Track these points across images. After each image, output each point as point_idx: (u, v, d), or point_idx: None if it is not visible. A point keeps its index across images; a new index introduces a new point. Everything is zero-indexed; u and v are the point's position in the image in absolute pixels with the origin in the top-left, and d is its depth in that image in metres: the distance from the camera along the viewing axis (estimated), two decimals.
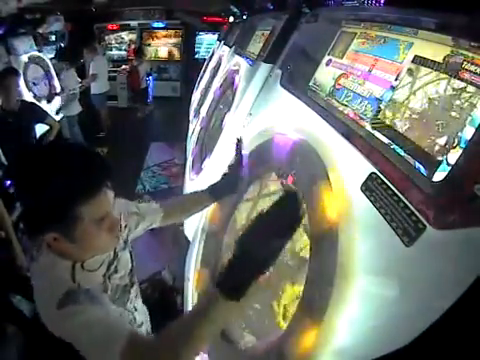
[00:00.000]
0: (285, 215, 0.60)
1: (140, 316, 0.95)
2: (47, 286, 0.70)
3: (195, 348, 0.63)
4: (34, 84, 3.86)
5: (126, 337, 0.61)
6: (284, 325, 0.80)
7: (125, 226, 0.91)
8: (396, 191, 0.61)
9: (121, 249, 0.87)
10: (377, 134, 0.73)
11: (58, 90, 4.07)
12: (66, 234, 0.68)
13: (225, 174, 1.07)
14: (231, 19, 3.96)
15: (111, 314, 0.72)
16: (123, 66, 6.19)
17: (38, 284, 0.73)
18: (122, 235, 0.87)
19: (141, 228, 0.99)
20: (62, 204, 0.64)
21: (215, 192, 1.06)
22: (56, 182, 0.63)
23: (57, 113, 3.82)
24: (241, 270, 0.59)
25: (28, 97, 3.47)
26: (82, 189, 0.65)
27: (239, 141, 1.09)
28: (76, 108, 4.00)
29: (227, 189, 1.06)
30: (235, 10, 3.52)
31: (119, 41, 7.00)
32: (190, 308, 1.27)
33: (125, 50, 6.95)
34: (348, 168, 0.76)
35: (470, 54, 0.59)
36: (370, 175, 0.67)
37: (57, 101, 4.01)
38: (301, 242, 0.86)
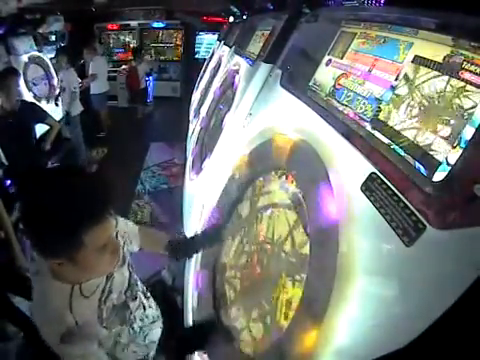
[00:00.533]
0: None
1: (144, 322, 0.98)
2: (48, 318, 0.75)
3: None
4: (34, 84, 3.86)
5: None
6: (284, 325, 0.80)
7: (123, 243, 0.94)
8: (396, 191, 0.61)
9: (118, 267, 0.88)
10: (377, 134, 0.73)
11: (58, 90, 4.07)
12: (70, 259, 0.69)
13: (192, 237, 1.21)
14: (231, 19, 3.96)
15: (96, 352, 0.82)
16: (123, 66, 6.20)
17: (39, 310, 0.77)
18: (120, 253, 0.89)
19: (128, 248, 1.01)
20: (67, 233, 0.65)
21: (174, 251, 1.16)
22: (61, 211, 0.63)
23: (68, 113, 3.81)
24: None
25: (28, 97, 3.47)
26: (86, 218, 0.66)
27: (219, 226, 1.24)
28: (77, 108, 3.99)
29: (185, 253, 1.19)
30: (235, 10, 3.52)
31: (119, 42, 7.00)
32: (190, 308, 1.28)
33: (125, 50, 6.94)
34: (348, 168, 0.75)
35: (470, 54, 0.59)
36: (370, 175, 0.67)
37: (61, 101, 4.00)
38: (301, 242, 0.86)
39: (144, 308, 0.99)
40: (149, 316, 1.00)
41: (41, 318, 0.76)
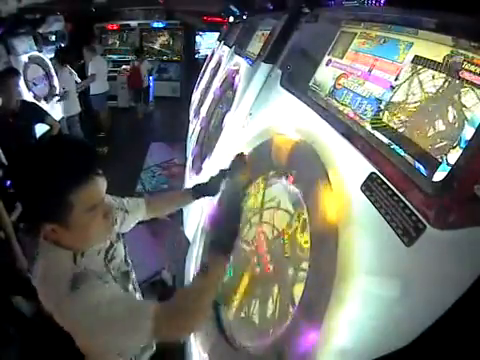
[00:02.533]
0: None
1: None
2: (53, 276, 0.72)
3: (209, 300, 0.75)
4: (34, 84, 3.85)
5: (152, 311, 0.67)
6: (284, 325, 0.80)
7: (115, 219, 0.94)
8: (396, 191, 0.61)
9: (116, 241, 0.90)
10: (377, 134, 0.73)
11: (58, 90, 4.07)
12: (62, 224, 0.70)
13: (212, 177, 1.17)
14: (231, 19, 3.96)
15: (121, 291, 0.79)
16: (123, 66, 6.20)
17: (43, 278, 0.73)
18: (115, 227, 0.91)
19: (128, 223, 1.03)
20: (54, 193, 0.66)
21: (197, 191, 1.15)
22: (47, 173, 0.66)
23: (65, 113, 3.82)
24: (225, 233, 0.83)
25: (28, 97, 3.47)
26: (72, 177, 0.67)
27: (241, 155, 1.18)
28: (75, 108, 3.99)
29: (208, 191, 1.16)
30: (235, 10, 3.52)
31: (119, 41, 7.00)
32: None
33: (126, 50, 6.95)
34: (348, 168, 0.75)
35: (470, 54, 0.59)
36: (370, 175, 0.67)
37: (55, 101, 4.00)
38: (301, 242, 0.86)
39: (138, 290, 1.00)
40: None
41: (45, 279, 0.72)
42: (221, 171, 1.17)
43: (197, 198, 1.16)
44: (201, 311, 0.74)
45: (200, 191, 1.15)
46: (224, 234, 0.84)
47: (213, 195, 1.19)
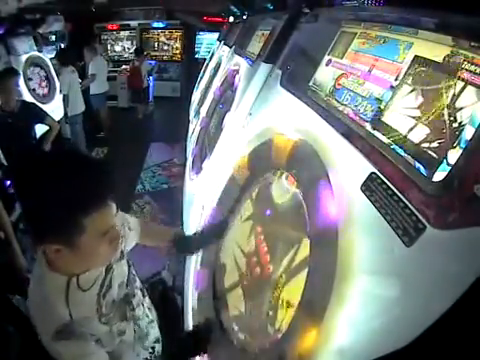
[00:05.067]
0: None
1: (143, 322, 0.96)
2: (43, 313, 0.73)
3: None
4: (34, 84, 3.86)
5: None
6: (284, 325, 0.80)
7: (121, 237, 0.91)
8: (396, 191, 0.61)
9: (116, 261, 0.87)
10: (377, 134, 0.73)
11: (58, 90, 4.08)
12: (67, 246, 0.67)
13: (195, 233, 1.21)
14: (231, 19, 3.96)
15: (95, 351, 0.78)
16: (123, 66, 6.20)
17: (34, 304, 0.75)
18: (120, 245, 0.87)
19: (130, 241, 0.99)
20: (67, 216, 0.63)
21: (178, 243, 1.15)
22: (62, 193, 0.62)
23: (66, 120, 3.83)
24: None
25: (28, 97, 3.47)
26: (88, 201, 0.64)
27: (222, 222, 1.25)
28: (80, 107, 4.00)
29: (189, 248, 1.19)
30: (235, 10, 3.52)
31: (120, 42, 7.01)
32: (190, 308, 1.27)
33: (128, 49, 6.95)
34: (348, 168, 0.75)
35: (470, 54, 0.59)
36: (370, 175, 0.67)
37: (58, 100, 4.01)
38: (301, 242, 0.86)
39: (143, 305, 0.97)
40: (149, 315, 0.99)
41: (36, 313, 0.74)
42: (207, 230, 1.24)
43: (176, 250, 1.16)
44: None
45: (181, 245, 1.16)
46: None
47: (192, 254, 1.26)
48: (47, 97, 4.01)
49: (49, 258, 0.73)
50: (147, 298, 1.03)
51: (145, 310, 0.98)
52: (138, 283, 0.98)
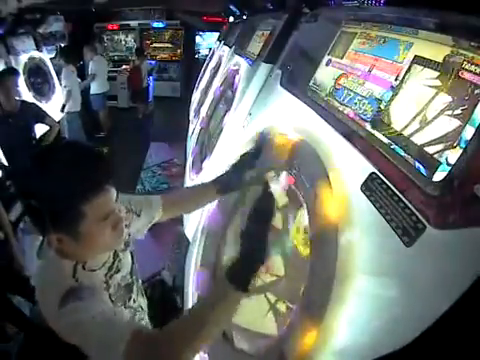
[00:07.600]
0: (266, 212, 0.70)
1: (140, 314, 0.95)
2: (49, 286, 0.71)
3: (203, 339, 0.64)
4: (34, 84, 3.86)
5: (129, 334, 0.61)
6: (284, 325, 0.80)
7: (126, 225, 0.88)
8: (396, 191, 0.61)
9: (121, 250, 0.87)
10: (377, 134, 0.73)
11: (58, 90, 4.08)
12: (71, 234, 0.68)
13: (234, 165, 1.02)
14: (231, 19, 3.96)
15: (112, 311, 0.73)
16: (123, 66, 6.20)
17: (40, 284, 0.74)
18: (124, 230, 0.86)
19: (139, 226, 0.95)
20: (66, 203, 0.64)
21: (221, 184, 1.00)
22: (59, 181, 0.64)
23: (62, 111, 3.85)
24: (248, 262, 0.65)
25: (28, 97, 3.47)
26: (85, 187, 0.65)
27: (262, 135, 1.07)
28: (78, 106, 4.01)
29: (231, 184, 1.01)
30: (235, 10, 3.51)
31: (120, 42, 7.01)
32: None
33: (127, 49, 6.95)
34: (348, 168, 0.75)
35: (470, 54, 0.58)
36: (370, 175, 0.67)
37: (58, 99, 4.02)
38: (301, 242, 0.86)
39: (140, 302, 0.96)
40: (143, 317, 0.97)
41: (41, 286, 0.72)
42: (243, 156, 1.02)
43: (222, 193, 1.01)
44: (190, 349, 0.62)
45: (224, 184, 0.99)
46: (246, 260, 0.65)
47: (237, 189, 1.04)
48: (47, 97, 4.01)
49: (55, 248, 0.72)
50: (145, 299, 1.01)
51: (143, 307, 0.97)
52: (137, 278, 0.97)
